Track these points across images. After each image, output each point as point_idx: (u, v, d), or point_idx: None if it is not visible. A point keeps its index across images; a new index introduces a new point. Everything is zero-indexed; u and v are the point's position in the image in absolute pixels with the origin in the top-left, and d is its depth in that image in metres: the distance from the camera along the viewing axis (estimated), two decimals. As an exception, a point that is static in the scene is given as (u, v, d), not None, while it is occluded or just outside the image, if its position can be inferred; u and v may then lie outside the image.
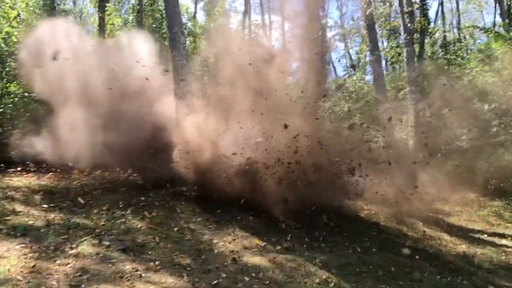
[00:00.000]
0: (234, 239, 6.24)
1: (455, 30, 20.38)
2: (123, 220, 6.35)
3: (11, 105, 9.92)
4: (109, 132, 8.08)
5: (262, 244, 6.14)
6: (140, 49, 9.71)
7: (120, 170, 9.08)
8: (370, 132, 9.08)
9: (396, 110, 10.92)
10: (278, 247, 6.06)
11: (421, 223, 8.35)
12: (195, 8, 20.52)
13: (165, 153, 7.84)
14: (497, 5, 17.36)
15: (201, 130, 7.43)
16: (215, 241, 6.06)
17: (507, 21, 14.60)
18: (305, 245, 6.27)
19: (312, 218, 7.31)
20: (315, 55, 8.50)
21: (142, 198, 7.40)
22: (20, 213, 5.99)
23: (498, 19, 17.98)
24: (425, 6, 15.50)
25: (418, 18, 15.06)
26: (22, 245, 4.93)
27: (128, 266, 4.75)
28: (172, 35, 8.75)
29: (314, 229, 7.02)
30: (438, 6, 19.32)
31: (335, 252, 6.22)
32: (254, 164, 7.25)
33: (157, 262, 4.99)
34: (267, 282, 4.89)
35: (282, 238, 6.46)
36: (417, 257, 6.42)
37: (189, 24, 17.56)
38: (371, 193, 8.23)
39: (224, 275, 4.91)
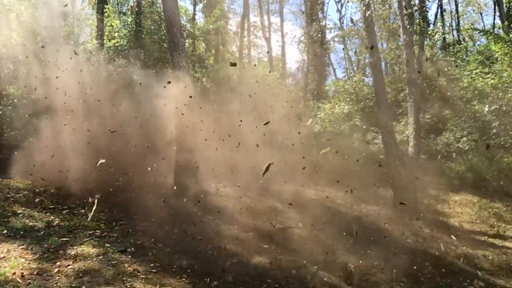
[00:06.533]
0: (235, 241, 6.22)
1: (455, 32, 20.36)
2: (123, 222, 6.33)
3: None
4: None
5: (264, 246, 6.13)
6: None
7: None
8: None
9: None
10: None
11: (422, 225, 8.34)
12: (194, 10, 20.45)
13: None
14: (497, 7, 17.39)
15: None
16: (216, 243, 6.04)
17: (506, 23, 14.59)
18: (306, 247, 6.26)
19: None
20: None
21: (141, 202, 7.34)
22: (20, 215, 5.96)
23: (498, 21, 18.01)
24: (424, 8, 15.47)
25: (417, 20, 15.04)
26: (22, 246, 4.90)
27: (128, 268, 4.72)
28: (171, 37, 8.71)
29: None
30: (438, 8, 19.31)
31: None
32: None
33: (157, 264, 4.97)
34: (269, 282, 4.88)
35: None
36: (417, 258, 6.41)
37: (188, 26, 17.47)
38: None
39: (225, 276, 4.89)
